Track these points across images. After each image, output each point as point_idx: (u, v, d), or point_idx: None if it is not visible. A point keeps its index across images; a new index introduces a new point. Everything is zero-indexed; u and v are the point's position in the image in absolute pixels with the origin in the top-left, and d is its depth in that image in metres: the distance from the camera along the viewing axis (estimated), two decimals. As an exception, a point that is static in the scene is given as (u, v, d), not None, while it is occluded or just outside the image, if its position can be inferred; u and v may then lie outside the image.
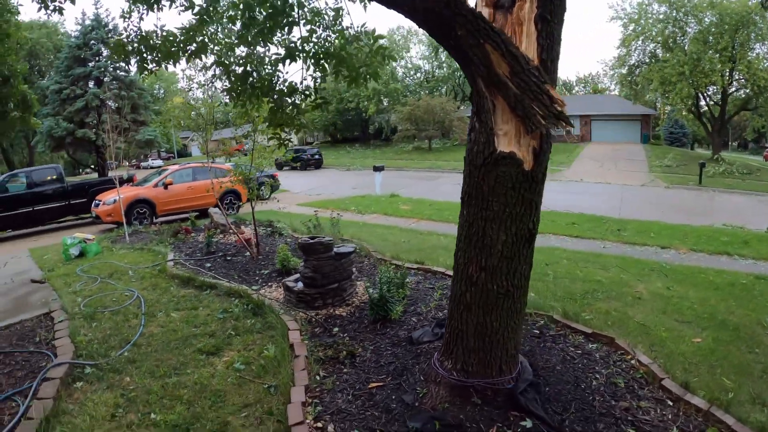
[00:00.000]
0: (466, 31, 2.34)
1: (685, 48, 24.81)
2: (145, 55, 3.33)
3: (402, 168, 28.47)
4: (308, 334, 4.51)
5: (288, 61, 3.27)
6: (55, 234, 12.32)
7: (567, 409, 3.07)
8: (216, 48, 3.57)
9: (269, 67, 3.47)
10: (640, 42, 27.61)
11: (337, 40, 3.41)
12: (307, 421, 3.00)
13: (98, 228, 12.35)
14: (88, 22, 29.23)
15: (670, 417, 3.03)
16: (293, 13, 3.11)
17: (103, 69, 27.87)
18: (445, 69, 45.03)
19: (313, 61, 3.56)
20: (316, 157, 32.62)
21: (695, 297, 5.47)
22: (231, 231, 10.25)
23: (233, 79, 3.50)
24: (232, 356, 4.15)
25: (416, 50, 52.34)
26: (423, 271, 6.36)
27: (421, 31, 47.80)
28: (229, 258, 7.91)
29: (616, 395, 3.24)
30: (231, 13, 3.30)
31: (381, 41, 3.42)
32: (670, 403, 3.17)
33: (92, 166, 23.43)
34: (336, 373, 3.67)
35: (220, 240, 9.43)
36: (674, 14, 25.48)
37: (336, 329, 4.60)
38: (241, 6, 3.06)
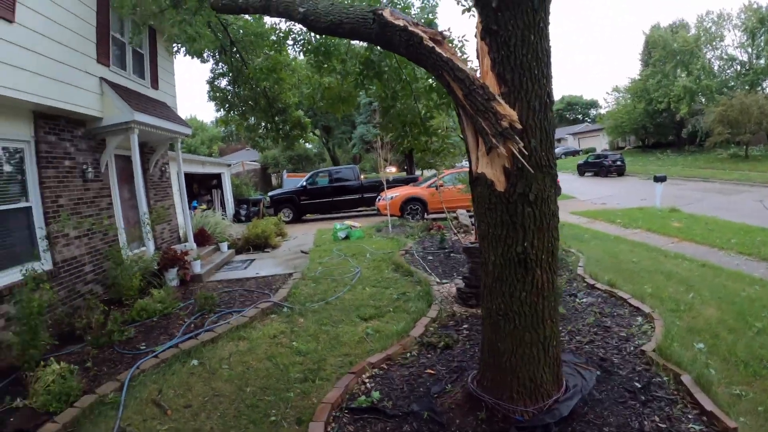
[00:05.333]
0: (430, 66, 2.89)
1: None
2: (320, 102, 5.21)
3: (708, 179, 23.99)
4: (440, 324, 5.51)
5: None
6: (346, 220, 16.52)
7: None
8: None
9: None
10: None
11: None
12: (363, 375, 4.18)
13: (379, 219, 15.89)
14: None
15: None
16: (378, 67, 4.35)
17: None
18: (764, 58, 34.31)
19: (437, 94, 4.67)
20: (618, 163, 30.75)
21: None
22: (471, 231, 11.77)
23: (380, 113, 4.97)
24: (374, 324, 5.61)
25: (731, 38, 40.64)
26: (607, 293, 6.19)
27: (734, 13, 38.15)
28: (451, 255, 9.36)
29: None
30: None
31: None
32: None
33: (405, 168, 29.43)
34: (422, 356, 4.63)
35: (460, 239, 11.01)
36: None
37: (465, 326, 5.43)
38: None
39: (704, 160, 31.82)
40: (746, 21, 36.61)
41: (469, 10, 4.69)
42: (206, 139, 55.20)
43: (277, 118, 7.51)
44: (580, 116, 70.82)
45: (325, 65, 5.00)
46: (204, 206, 13.15)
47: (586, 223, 13.30)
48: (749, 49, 37.88)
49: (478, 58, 3.14)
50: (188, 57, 5.77)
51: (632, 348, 4.47)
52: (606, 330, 4.96)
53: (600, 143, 53.43)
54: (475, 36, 3.09)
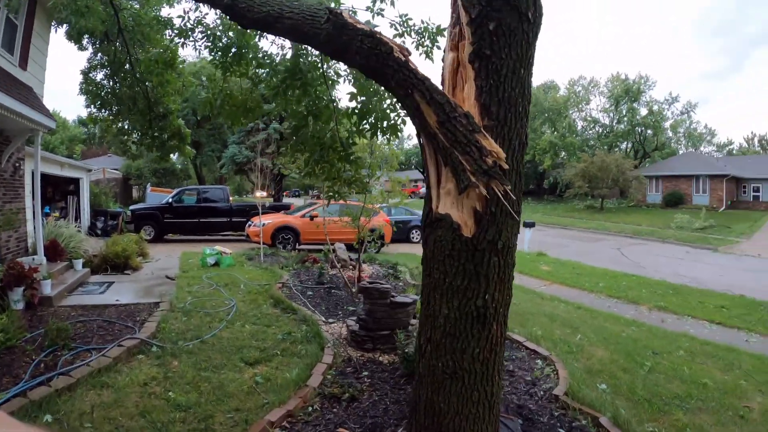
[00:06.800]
0: (396, 83, 2.53)
1: None
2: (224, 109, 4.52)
3: (567, 226, 27.79)
4: (337, 371, 5.00)
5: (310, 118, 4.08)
6: (214, 244, 15.24)
7: None
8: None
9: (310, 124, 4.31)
10: None
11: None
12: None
13: (249, 246, 14.84)
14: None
15: None
16: (304, 77, 3.93)
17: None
18: (624, 124, 43.29)
19: (357, 118, 4.28)
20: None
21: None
22: (350, 267, 11.45)
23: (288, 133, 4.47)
24: (263, 370, 4.90)
25: (596, 102, 50.84)
26: (499, 338, 6.29)
27: (602, 82, 46.28)
28: (332, 291, 8.89)
29: None
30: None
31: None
32: None
33: (273, 193, 28.62)
34: (327, 410, 4.07)
35: (337, 274, 10.58)
36: None
37: (365, 373, 4.99)
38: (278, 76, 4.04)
39: (563, 209, 36.21)
40: (613, 89, 43.48)
41: (402, 36, 4.49)
42: (66, 139, 48.98)
43: (154, 124, 6.50)
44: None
45: (233, 68, 4.36)
46: (57, 214, 11.00)
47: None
48: (611, 114, 45.07)
49: (442, 83, 2.88)
50: (64, 41, 4.71)
51: (542, 393, 4.48)
52: (511, 374, 4.93)
53: (463, 187, 57.48)
54: (444, 58, 2.84)
